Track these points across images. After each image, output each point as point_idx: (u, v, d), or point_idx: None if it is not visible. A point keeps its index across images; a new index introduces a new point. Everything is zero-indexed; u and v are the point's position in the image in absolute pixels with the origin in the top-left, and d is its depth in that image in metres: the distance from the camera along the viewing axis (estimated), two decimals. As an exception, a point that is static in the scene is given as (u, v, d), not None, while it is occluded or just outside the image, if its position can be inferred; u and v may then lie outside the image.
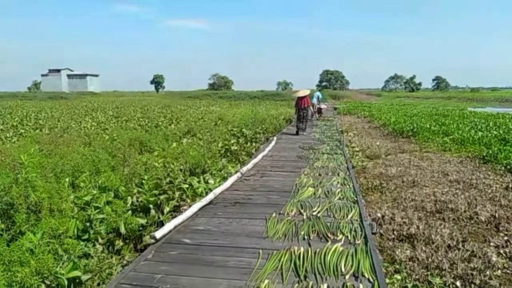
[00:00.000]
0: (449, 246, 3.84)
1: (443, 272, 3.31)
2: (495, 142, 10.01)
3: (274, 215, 4.56)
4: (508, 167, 7.28)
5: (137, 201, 4.96)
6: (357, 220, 4.40)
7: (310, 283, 2.94)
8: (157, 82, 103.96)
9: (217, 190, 5.58)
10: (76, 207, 4.21)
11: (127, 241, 4.21)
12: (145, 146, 8.84)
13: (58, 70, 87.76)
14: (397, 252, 3.71)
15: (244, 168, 7.15)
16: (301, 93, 13.92)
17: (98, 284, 3.27)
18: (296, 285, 2.96)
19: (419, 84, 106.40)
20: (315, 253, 3.44)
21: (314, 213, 4.63)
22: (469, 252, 3.67)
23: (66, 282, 2.92)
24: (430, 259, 3.52)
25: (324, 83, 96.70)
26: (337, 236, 3.92)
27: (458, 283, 3.15)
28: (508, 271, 3.38)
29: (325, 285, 2.92)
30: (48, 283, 2.89)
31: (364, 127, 16.17)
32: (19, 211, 3.55)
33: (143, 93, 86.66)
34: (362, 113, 23.63)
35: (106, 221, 4.00)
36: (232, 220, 4.53)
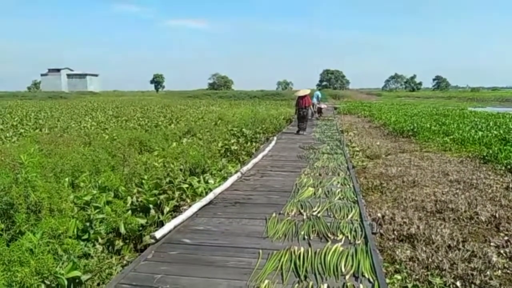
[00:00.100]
0: (449, 246, 3.84)
1: (443, 272, 3.31)
2: (495, 142, 10.00)
3: (274, 215, 4.55)
4: (509, 167, 7.28)
5: (137, 201, 4.96)
6: (357, 220, 4.40)
7: (310, 283, 2.94)
8: (157, 81, 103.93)
9: (217, 190, 5.58)
10: (76, 207, 4.21)
11: (127, 241, 4.21)
12: (145, 146, 8.84)
13: (58, 70, 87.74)
14: (397, 252, 3.70)
15: (244, 168, 7.14)
16: (302, 93, 14.00)
17: (98, 284, 3.26)
18: (296, 285, 2.95)
19: (420, 83, 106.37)
20: (315, 253, 3.43)
21: (314, 213, 4.63)
22: (469, 252, 3.67)
23: (66, 282, 2.92)
24: (430, 259, 3.52)
25: (324, 83, 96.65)
26: (337, 236, 3.91)
27: (458, 283, 3.14)
28: (508, 271, 3.38)
29: (325, 285, 2.92)
30: (48, 283, 2.89)
31: (364, 127, 16.16)
32: (19, 211, 3.55)
33: (143, 92, 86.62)
34: (362, 112, 23.62)
35: (106, 221, 3.99)
36: (232, 220, 4.53)
